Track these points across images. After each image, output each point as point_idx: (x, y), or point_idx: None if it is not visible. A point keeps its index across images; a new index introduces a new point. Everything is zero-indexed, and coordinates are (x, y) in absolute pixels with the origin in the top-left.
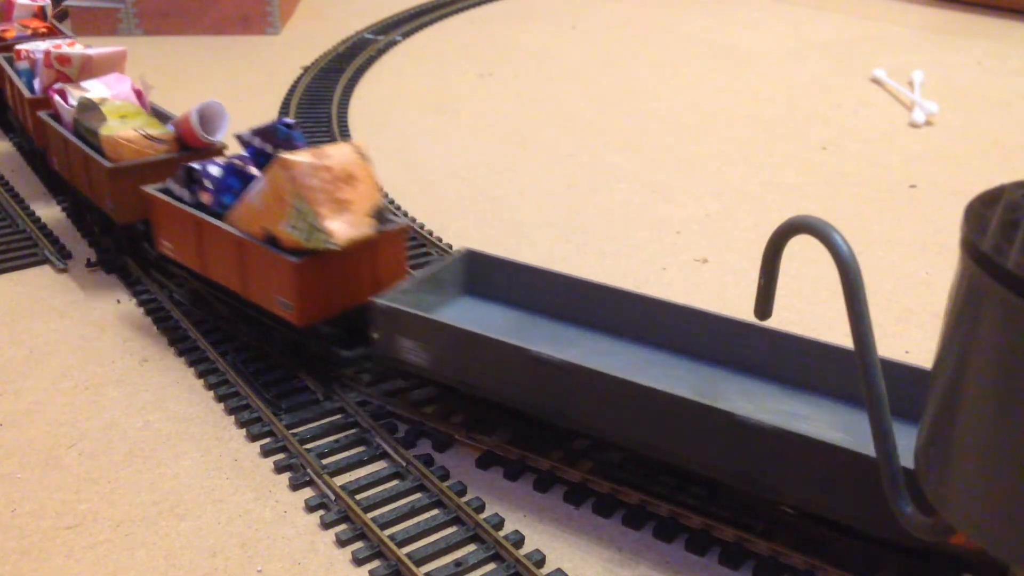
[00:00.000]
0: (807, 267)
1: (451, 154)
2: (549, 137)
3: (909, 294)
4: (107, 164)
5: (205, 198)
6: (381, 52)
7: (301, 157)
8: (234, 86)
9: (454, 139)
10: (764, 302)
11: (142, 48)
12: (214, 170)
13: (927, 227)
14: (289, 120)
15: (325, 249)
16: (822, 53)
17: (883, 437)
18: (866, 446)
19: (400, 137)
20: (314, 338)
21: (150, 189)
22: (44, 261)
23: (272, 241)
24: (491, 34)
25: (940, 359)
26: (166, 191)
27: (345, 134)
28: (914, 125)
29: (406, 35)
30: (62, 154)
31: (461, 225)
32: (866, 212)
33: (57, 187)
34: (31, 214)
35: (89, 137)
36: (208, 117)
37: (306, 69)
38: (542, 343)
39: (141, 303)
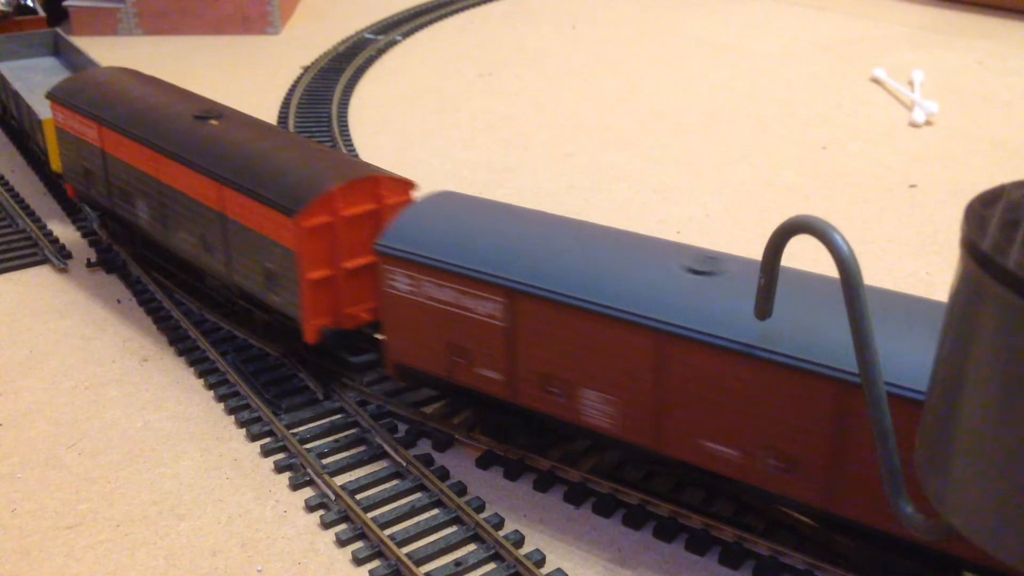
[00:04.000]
0: (807, 267)
1: (451, 154)
2: (549, 137)
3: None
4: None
5: None
6: (381, 52)
7: None
8: (234, 86)
9: (454, 139)
10: (764, 302)
11: (142, 48)
12: None
13: (927, 227)
14: None
15: None
16: (822, 53)
17: (883, 437)
18: None
19: (400, 137)
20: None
21: None
22: (44, 261)
23: None
24: (491, 34)
25: (940, 359)
26: None
27: (345, 134)
28: (914, 125)
29: (406, 35)
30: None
31: None
32: (866, 212)
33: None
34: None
35: None
36: None
37: (306, 69)
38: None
39: (141, 303)
